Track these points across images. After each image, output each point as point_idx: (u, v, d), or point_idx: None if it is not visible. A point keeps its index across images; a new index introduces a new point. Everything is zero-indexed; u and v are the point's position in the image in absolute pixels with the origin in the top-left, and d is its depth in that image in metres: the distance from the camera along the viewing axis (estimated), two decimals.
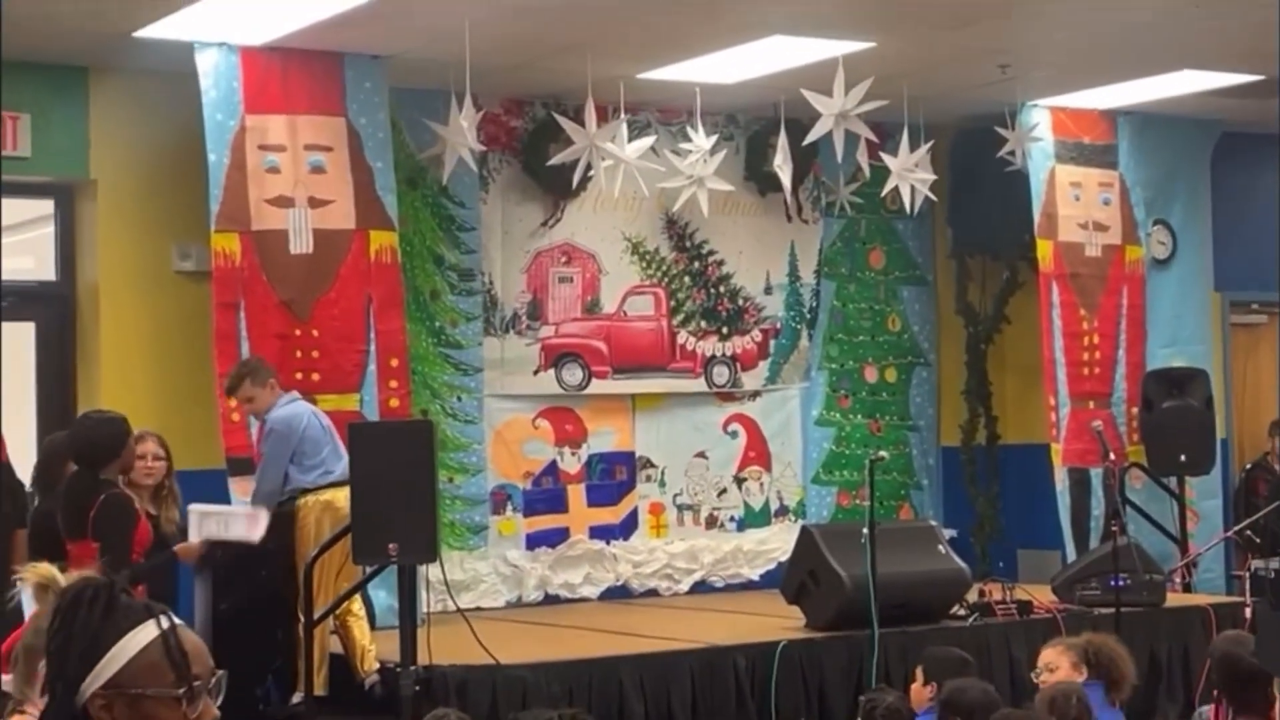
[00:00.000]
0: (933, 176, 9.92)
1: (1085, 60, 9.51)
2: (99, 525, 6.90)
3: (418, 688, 6.95)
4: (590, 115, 9.02)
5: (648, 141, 9.53)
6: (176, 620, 2.27)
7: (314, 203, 8.75)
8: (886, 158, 9.83)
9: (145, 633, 2.22)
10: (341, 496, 7.42)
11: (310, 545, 7.65)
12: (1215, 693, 5.58)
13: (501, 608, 9.77)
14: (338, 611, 7.63)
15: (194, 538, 7.40)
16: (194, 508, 7.54)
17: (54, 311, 9.19)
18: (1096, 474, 10.55)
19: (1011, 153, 10.29)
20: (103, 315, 9.00)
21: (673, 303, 10.55)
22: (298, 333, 8.70)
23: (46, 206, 9.26)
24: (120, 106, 8.96)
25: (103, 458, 7.07)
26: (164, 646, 2.22)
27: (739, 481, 10.80)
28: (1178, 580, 9.85)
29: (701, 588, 10.45)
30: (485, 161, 9.82)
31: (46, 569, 2.59)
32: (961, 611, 8.48)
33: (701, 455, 10.64)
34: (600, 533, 10.30)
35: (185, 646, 2.24)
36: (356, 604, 7.78)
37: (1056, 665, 6.12)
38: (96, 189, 8.99)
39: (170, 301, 9.05)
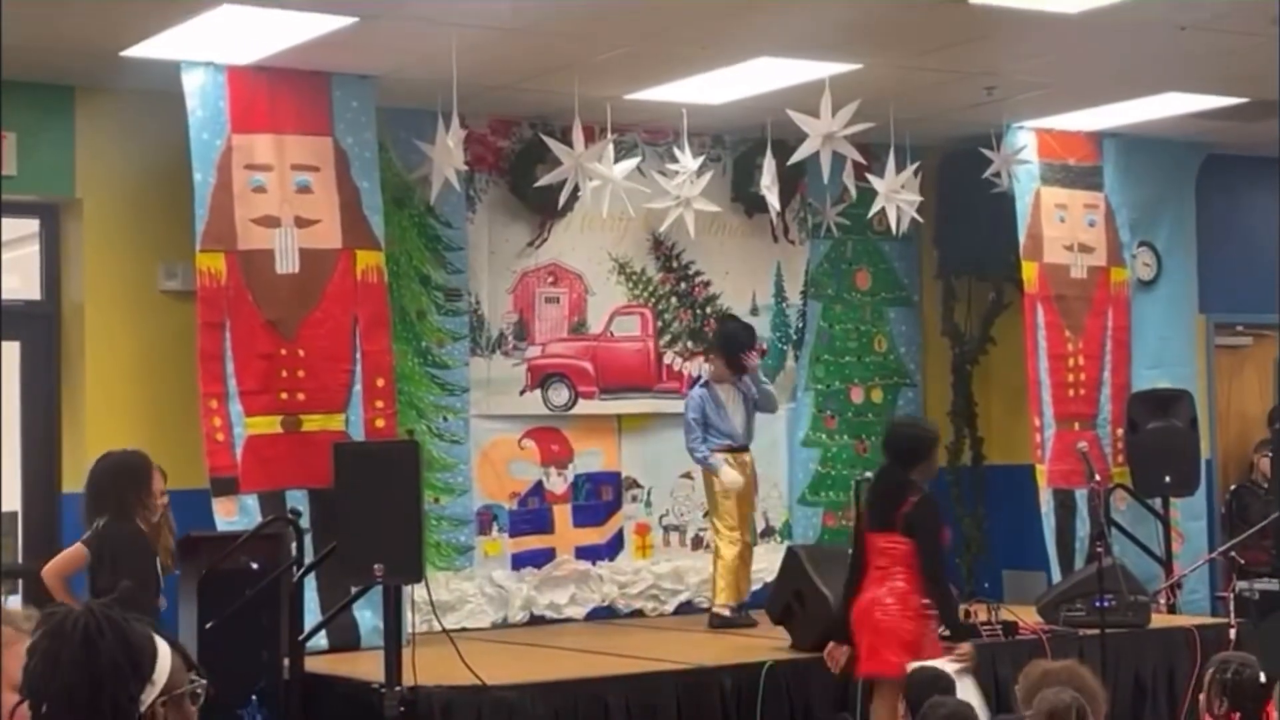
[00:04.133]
0: (919, 198, 9.94)
1: (1071, 82, 9.54)
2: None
3: (403, 709, 6.94)
4: (577, 136, 9.02)
5: (634, 162, 9.54)
6: None
7: (300, 222, 8.75)
8: (874, 180, 9.85)
9: (162, 640, 2.32)
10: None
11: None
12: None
13: (487, 628, 9.75)
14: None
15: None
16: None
17: (39, 330, 9.17)
18: (1081, 495, 10.56)
19: (997, 174, 10.31)
20: (88, 334, 8.98)
21: (659, 323, 10.56)
22: (283, 352, 8.69)
23: (32, 225, 9.24)
24: (107, 126, 8.96)
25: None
26: (175, 650, 2.33)
27: None
28: (1162, 601, 9.85)
29: (687, 608, 10.43)
30: (472, 181, 9.83)
31: None
32: (946, 633, 8.47)
33: (688, 476, 10.61)
34: (586, 553, 10.29)
35: (182, 650, 2.36)
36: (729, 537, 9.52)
37: None
38: (82, 208, 8.98)
39: (156, 321, 9.03)
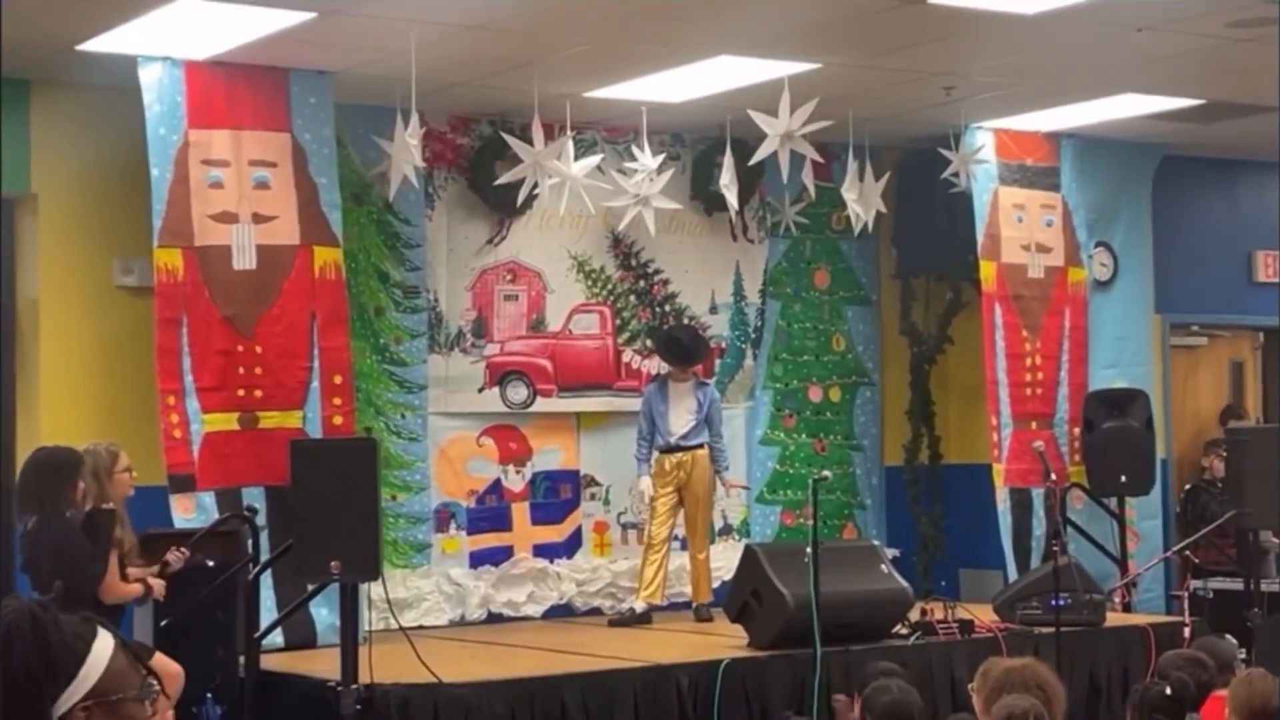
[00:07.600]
0: (856, 196, 9.95)
1: (1029, 83, 9.57)
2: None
3: (359, 706, 6.92)
4: (537, 133, 9.02)
5: (594, 160, 9.54)
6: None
7: (258, 218, 8.72)
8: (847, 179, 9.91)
9: (105, 641, 2.25)
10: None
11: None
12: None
13: (444, 626, 9.73)
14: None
15: None
16: None
17: None
18: (1038, 494, 10.62)
19: (955, 174, 10.35)
20: (43, 330, 8.93)
21: (618, 321, 10.55)
22: (240, 349, 8.66)
23: None
24: (63, 120, 8.90)
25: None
26: (124, 652, 2.26)
27: None
28: (1118, 600, 9.90)
29: None
30: (431, 178, 9.81)
31: None
32: (904, 631, 8.51)
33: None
34: (544, 551, 10.28)
35: (135, 650, 2.29)
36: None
37: None
38: (38, 203, 8.92)
39: (112, 317, 8.98)
